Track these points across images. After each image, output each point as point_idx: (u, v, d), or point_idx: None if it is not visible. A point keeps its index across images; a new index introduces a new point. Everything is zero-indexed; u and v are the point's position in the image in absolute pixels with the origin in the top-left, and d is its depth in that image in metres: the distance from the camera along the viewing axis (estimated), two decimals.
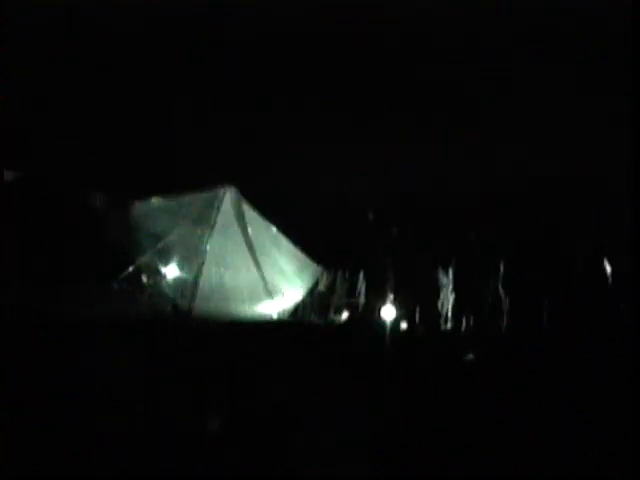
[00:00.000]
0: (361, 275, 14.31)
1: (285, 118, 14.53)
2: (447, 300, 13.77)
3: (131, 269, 12.22)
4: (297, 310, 13.87)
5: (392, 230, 14.66)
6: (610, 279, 13.17)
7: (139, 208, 12.74)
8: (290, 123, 14.57)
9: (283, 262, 13.87)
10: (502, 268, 13.68)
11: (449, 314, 13.70)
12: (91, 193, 12.19)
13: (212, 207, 13.21)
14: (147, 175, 13.47)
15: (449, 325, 13.62)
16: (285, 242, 13.89)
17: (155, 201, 12.91)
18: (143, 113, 13.98)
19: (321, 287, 14.10)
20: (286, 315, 13.54)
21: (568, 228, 14.09)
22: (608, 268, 13.32)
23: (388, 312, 13.40)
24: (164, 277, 12.62)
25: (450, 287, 13.80)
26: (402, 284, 13.93)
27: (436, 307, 13.72)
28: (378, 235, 14.54)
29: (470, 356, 10.31)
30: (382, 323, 13.14)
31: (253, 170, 14.29)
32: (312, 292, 14.04)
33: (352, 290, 14.17)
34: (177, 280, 12.63)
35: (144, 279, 12.38)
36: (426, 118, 14.67)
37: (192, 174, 13.59)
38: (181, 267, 12.74)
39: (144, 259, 12.46)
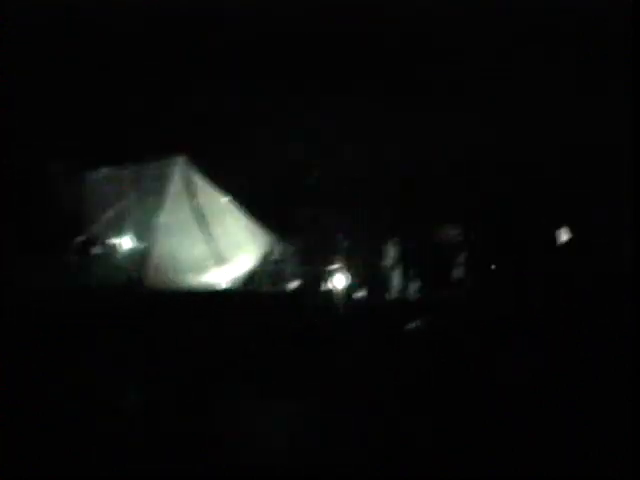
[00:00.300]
0: (312, 243, 14.51)
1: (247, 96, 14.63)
2: (398, 267, 14.08)
3: (81, 240, 12.25)
4: (249, 279, 14.04)
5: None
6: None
7: (89, 178, 12.76)
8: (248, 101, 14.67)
9: (235, 231, 14.01)
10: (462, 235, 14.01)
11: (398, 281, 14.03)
12: (41, 163, 12.15)
13: (162, 177, 13.29)
14: (98, 145, 13.43)
15: (396, 292, 13.96)
16: (237, 211, 14.01)
17: (106, 171, 12.93)
18: (94, 80, 13.90)
19: (275, 256, 14.27)
20: (238, 284, 13.71)
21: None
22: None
23: (339, 280, 13.70)
24: (115, 248, 12.69)
25: (399, 254, 14.11)
26: (352, 251, 14.22)
27: (383, 274, 14.05)
28: (325, 202, 14.71)
29: (414, 325, 10.52)
30: (333, 291, 13.46)
31: (206, 140, 14.33)
32: (265, 261, 14.22)
33: (306, 259, 14.36)
34: (128, 251, 12.72)
35: (95, 250, 12.43)
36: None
37: (144, 144, 13.59)
38: (132, 237, 12.83)
39: (94, 229, 12.51)
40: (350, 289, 13.79)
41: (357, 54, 15.01)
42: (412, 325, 10.59)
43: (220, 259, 13.67)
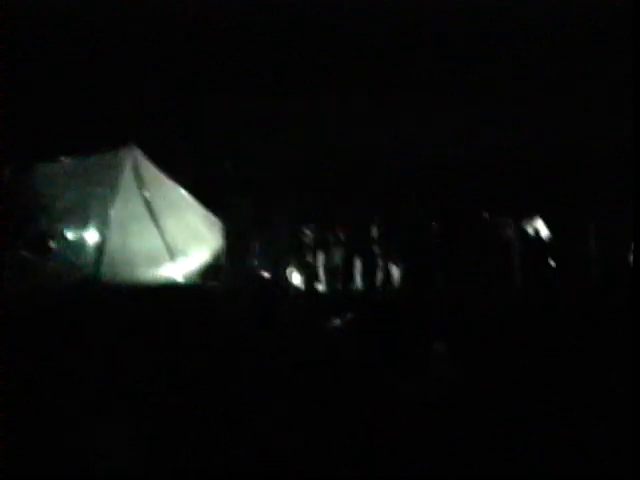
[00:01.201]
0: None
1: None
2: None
3: (33, 234, 12.37)
4: (204, 273, 14.29)
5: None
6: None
7: (41, 171, 12.88)
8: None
9: (188, 224, 14.26)
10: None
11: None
12: None
13: (113, 168, 13.47)
14: (49, 137, 13.53)
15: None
16: (193, 203, 14.26)
17: (57, 163, 13.07)
18: (42, 71, 13.99)
19: (231, 250, 14.51)
20: (193, 279, 13.97)
21: None
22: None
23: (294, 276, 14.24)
24: (68, 242, 12.84)
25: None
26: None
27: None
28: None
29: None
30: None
31: (158, 130, 14.53)
32: (220, 254, 14.48)
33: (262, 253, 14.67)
34: (81, 245, 12.90)
35: (48, 244, 12.56)
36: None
37: (94, 134, 13.71)
38: (84, 231, 13.01)
39: (46, 223, 12.64)
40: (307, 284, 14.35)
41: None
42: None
43: (174, 253, 13.90)
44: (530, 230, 14.34)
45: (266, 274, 14.26)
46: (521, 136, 15.20)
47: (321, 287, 14.66)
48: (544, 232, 14.45)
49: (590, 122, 14.64)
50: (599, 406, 7.11)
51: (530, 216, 14.46)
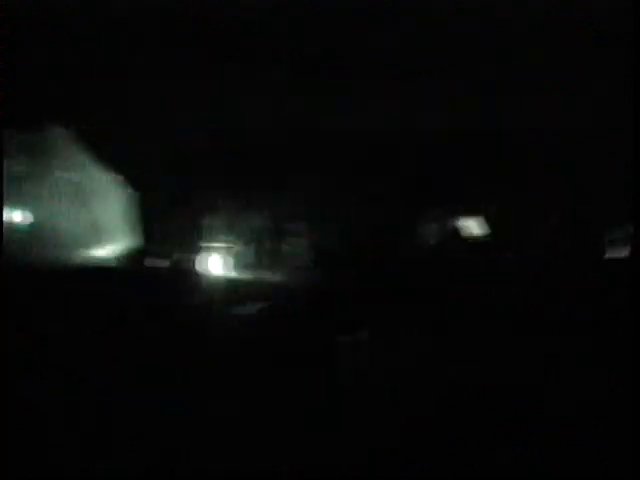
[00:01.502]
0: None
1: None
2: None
3: None
4: (129, 255, 14.46)
5: None
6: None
7: None
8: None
9: (116, 206, 14.36)
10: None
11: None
12: None
13: (42, 149, 13.49)
14: None
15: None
16: (121, 185, 14.36)
17: None
18: None
19: (157, 233, 14.69)
20: (119, 261, 14.12)
21: None
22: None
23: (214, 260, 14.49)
24: None
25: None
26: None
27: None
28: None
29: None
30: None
31: (94, 110, 14.55)
32: (146, 237, 14.64)
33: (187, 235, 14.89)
34: (7, 225, 12.88)
35: None
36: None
37: (26, 113, 13.68)
38: (11, 211, 13.00)
39: None
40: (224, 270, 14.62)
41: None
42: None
43: (101, 235, 13.98)
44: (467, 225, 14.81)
45: (185, 258, 14.53)
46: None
47: (238, 273, 14.99)
48: (482, 228, 14.93)
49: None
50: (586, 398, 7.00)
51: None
